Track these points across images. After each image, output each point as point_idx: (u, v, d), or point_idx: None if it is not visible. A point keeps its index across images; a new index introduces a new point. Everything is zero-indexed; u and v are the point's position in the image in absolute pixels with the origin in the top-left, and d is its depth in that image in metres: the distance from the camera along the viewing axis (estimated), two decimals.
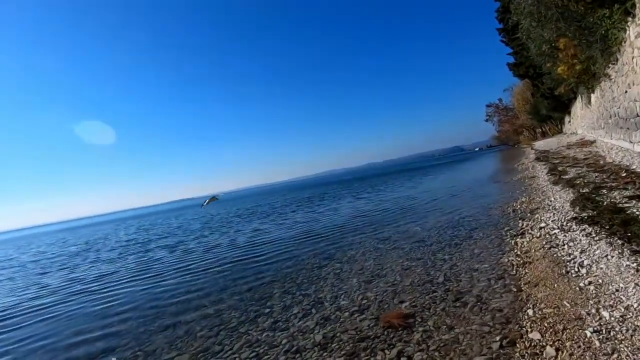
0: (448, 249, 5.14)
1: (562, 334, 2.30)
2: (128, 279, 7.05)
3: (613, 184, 5.77)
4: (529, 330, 2.49)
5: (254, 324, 3.74)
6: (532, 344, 2.31)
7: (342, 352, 2.78)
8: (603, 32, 8.46)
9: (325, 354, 2.82)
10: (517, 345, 2.37)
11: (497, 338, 2.49)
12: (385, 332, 2.94)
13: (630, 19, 7.07)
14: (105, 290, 6.47)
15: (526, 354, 2.22)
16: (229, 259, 7.39)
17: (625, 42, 7.78)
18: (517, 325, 2.62)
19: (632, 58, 7.37)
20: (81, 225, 67.31)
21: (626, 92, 8.34)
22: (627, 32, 7.45)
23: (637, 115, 7.66)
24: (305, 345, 3.02)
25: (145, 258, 9.56)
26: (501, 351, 2.34)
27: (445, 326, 2.86)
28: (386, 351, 2.66)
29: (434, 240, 5.85)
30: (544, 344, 2.26)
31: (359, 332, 3.06)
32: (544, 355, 2.15)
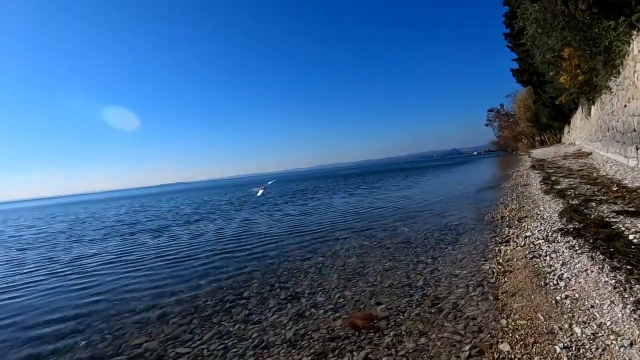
0: (432, 253, 5.10)
1: (532, 347, 2.25)
2: (107, 263, 6.95)
3: (603, 198, 5.74)
4: (500, 341, 2.45)
5: (228, 314, 3.68)
6: (501, 356, 2.26)
7: (311, 351, 2.72)
8: (607, 44, 8.38)
9: (294, 351, 2.77)
10: (486, 355, 2.32)
11: (467, 347, 2.44)
12: (357, 334, 2.89)
13: (635, 32, 6.99)
14: (81, 272, 6.37)
15: None
16: (213, 247, 7.33)
17: (628, 55, 7.70)
18: (489, 335, 2.57)
19: (634, 72, 7.30)
20: (81, 200, 67.02)
21: (626, 106, 8.29)
22: (631, 45, 7.37)
23: (634, 131, 7.62)
24: (275, 342, 2.97)
25: (128, 242, 9.48)
26: None
27: (417, 332, 2.81)
28: (354, 353, 2.61)
29: (420, 242, 5.81)
30: (513, 356, 2.22)
31: (330, 332, 3.01)
32: None
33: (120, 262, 6.79)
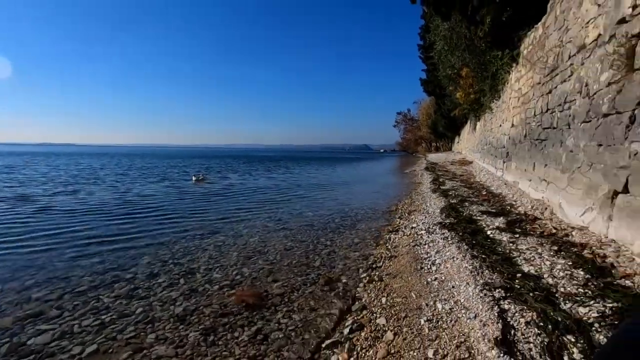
0: (331, 235, 5.40)
1: (403, 320, 2.57)
2: None
3: (474, 199, 6.78)
4: (378, 316, 2.74)
5: (108, 289, 3.34)
6: (377, 328, 2.53)
7: (200, 326, 2.66)
8: (494, 70, 9.82)
9: (181, 326, 2.66)
10: (365, 328, 2.58)
11: (350, 322, 2.68)
12: (249, 310, 2.92)
13: (514, 64, 8.34)
14: None
15: (370, 337, 2.43)
16: (96, 221, 6.54)
17: (507, 83, 9.16)
18: (370, 312, 2.85)
19: (509, 98, 8.73)
20: None
21: (500, 125, 9.87)
22: (510, 75, 8.78)
23: (503, 147, 9.14)
24: (161, 317, 2.81)
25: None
26: (350, 335, 2.51)
27: (308, 308, 2.97)
28: (245, 328, 2.64)
29: (321, 226, 6.10)
30: (386, 329, 2.50)
31: (223, 307, 2.98)
32: (384, 339, 2.38)
33: None
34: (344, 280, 3.62)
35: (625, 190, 3.04)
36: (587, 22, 4.02)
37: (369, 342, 2.37)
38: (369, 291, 3.32)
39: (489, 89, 11.25)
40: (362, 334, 2.51)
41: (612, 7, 3.38)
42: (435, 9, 11.07)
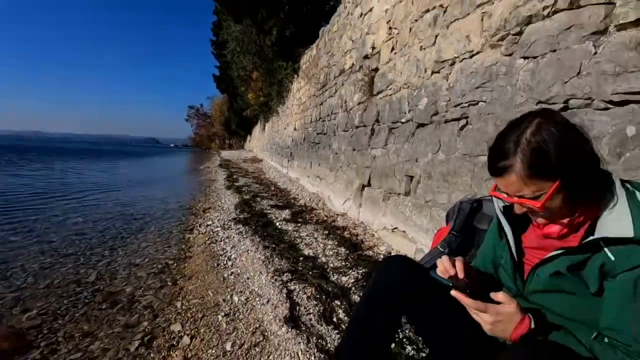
0: (112, 243, 4.62)
1: (200, 321, 2.52)
2: None
3: (265, 195, 7.39)
4: (173, 322, 2.57)
5: None
6: (172, 336, 2.37)
7: None
8: (280, 78, 10.99)
9: None
10: (158, 339, 2.36)
11: (139, 336, 2.39)
12: None
13: (295, 76, 9.61)
14: None
15: (164, 347, 2.25)
16: None
17: (291, 91, 10.45)
18: (164, 319, 2.64)
19: (292, 105, 10.00)
20: None
21: (285, 128, 11.15)
22: (293, 84, 10.07)
23: (288, 147, 10.38)
24: None
25: None
26: (139, 351, 2.24)
27: (80, 334, 2.43)
28: None
29: (98, 233, 5.11)
30: (183, 334, 2.39)
31: None
32: (180, 345, 2.26)
33: None
34: (128, 291, 3.18)
35: (369, 184, 4.09)
36: (346, 52, 5.13)
37: (162, 354, 2.19)
38: (161, 298, 3.06)
39: (276, 94, 12.47)
40: (155, 345, 2.30)
41: (361, 45, 4.45)
42: (228, 9, 11.28)
